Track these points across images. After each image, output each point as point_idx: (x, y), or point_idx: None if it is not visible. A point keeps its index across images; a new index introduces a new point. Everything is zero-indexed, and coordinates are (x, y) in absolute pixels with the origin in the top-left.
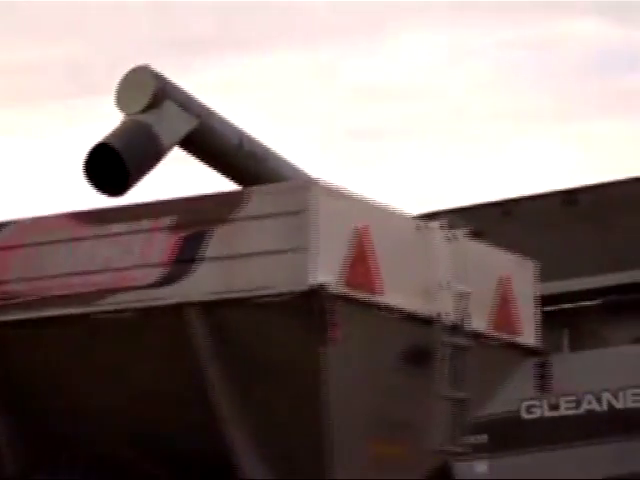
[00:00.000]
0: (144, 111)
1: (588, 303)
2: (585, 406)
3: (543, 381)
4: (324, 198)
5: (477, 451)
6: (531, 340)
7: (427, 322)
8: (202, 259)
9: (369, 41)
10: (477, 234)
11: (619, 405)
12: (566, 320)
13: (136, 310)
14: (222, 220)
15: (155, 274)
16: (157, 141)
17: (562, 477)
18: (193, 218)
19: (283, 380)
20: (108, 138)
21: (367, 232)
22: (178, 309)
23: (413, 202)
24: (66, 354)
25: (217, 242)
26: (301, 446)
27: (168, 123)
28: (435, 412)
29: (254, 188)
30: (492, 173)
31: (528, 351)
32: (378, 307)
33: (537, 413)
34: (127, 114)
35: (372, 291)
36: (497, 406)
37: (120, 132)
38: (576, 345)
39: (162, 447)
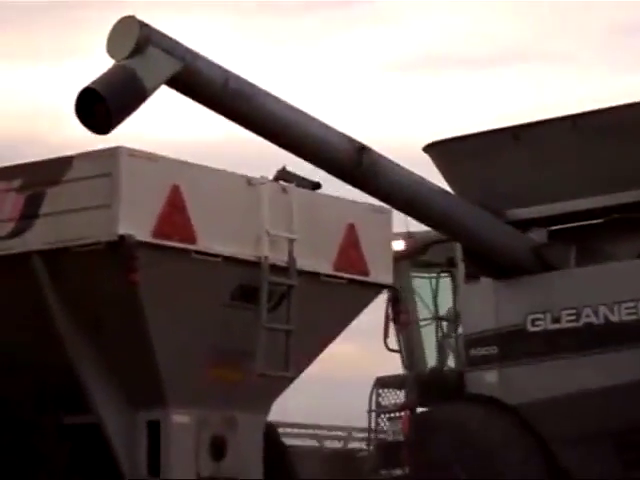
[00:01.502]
0: (129, 57)
1: (594, 221)
2: (584, 319)
3: (395, 311)
4: (129, 162)
5: (487, 362)
6: (380, 278)
7: (253, 264)
8: (39, 215)
9: None
10: (316, 186)
11: (614, 318)
12: (574, 238)
13: None
14: (54, 182)
15: (7, 228)
16: (140, 83)
17: (564, 385)
18: (34, 180)
19: (112, 319)
20: (93, 82)
21: (177, 190)
22: (24, 257)
23: None
24: None
25: (50, 201)
26: (137, 375)
27: (151, 67)
28: (261, 342)
29: (76, 155)
30: None
31: (377, 287)
32: (193, 252)
33: (541, 326)
34: (115, 60)
35: (184, 240)
36: (505, 320)
37: (105, 76)
38: (582, 261)
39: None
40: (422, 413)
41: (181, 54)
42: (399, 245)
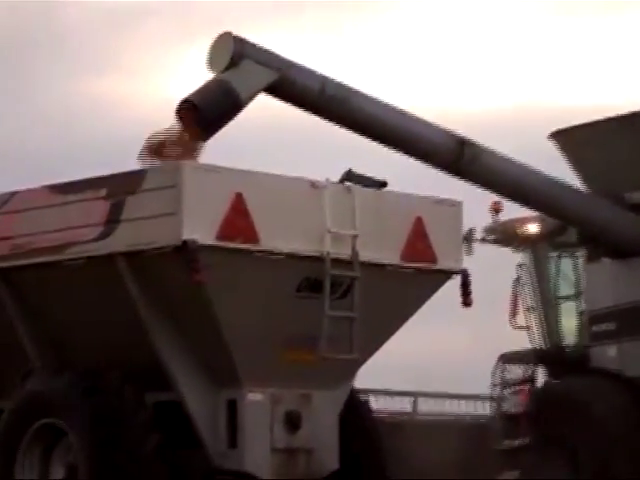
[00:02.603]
0: (225, 70)
1: None
2: None
3: (465, 293)
4: (191, 174)
5: (607, 337)
6: (449, 264)
7: (317, 259)
8: (121, 221)
9: None
10: (382, 185)
11: None
12: None
13: (83, 259)
14: (132, 192)
15: (95, 231)
16: (234, 94)
17: None
18: (116, 190)
19: (187, 312)
20: (191, 94)
21: (240, 197)
22: (110, 257)
23: None
24: (51, 290)
25: (129, 208)
26: (214, 360)
27: (246, 78)
28: (324, 328)
29: (149, 168)
30: None
31: (447, 273)
32: (255, 252)
33: None
34: (214, 74)
35: (247, 241)
36: (622, 297)
37: (202, 88)
38: None
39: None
40: (541, 386)
41: (276, 65)
42: (533, 228)
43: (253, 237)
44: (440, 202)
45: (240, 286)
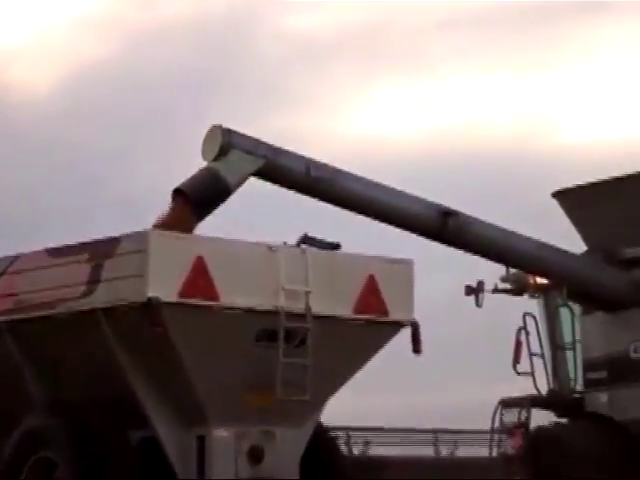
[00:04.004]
0: (216, 159)
1: None
2: None
3: (415, 342)
4: (157, 241)
5: (599, 384)
6: (399, 316)
7: (273, 313)
8: (101, 281)
9: None
10: (335, 247)
11: None
12: None
13: (71, 314)
14: (109, 256)
15: (80, 290)
16: (223, 181)
17: None
18: (96, 254)
19: (158, 360)
20: (182, 184)
21: (201, 260)
22: (91, 312)
23: None
24: (47, 340)
25: (107, 270)
26: (184, 401)
27: (233, 166)
28: (279, 373)
29: (122, 235)
30: None
31: (397, 324)
32: (216, 308)
33: None
34: (206, 162)
35: (208, 298)
36: (612, 347)
37: (193, 177)
38: None
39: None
40: (534, 430)
41: (262, 152)
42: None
43: (213, 295)
44: (392, 261)
45: (203, 337)
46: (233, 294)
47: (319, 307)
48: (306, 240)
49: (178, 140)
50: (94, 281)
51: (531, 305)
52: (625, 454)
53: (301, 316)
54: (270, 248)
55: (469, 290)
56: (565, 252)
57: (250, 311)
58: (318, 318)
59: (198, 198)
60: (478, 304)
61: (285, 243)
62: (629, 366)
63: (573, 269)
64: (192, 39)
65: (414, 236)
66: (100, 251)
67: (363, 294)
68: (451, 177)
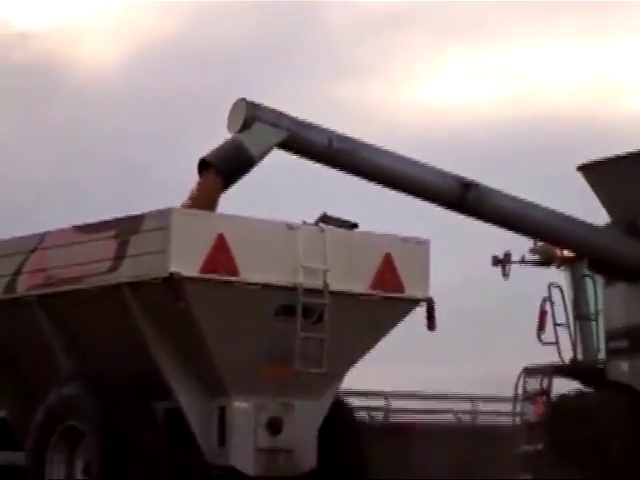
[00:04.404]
0: (240, 131)
1: None
2: None
3: (430, 319)
4: (179, 218)
5: (620, 354)
6: (415, 293)
7: (292, 289)
8: (126, 256)
9: None
10: (354, 226)
11: None
12: None
13: (98, 288)
14: (135, 232)
15: (106, 265)
16: (246, 152)
17: None
18: (123, 230)
19: (181, 334)
20: (208, 154)
21: (222, 237)
22: (117, 287)
23: None
24: (76, 313)
25: (133, 246)
26: (206, 374)
27: (257, 138)
28: (297, 347)
29: (147, 213)
30: None
31: (413, 301)
32: (236, 283)
33: None
34: (232, 134)
35: (228, 274)
36: (633, 318)
37: (218, 148)
38: None
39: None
40: (555, 398)
41: (285, 125)
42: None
43: (233, 270)
44: (408, 240)
45: (223, 311)
46: (253, 270)
47: (337, 284)
48: (325, 219)
49: None
50: (120, 257)
51: (554, 276)
52: None
53: (319, 292)
54: (289, 226)
55: (496, 261)
56: (585, 223)
57: (269, 287)
58: (335, 294)
59: (223, 168)
60: (505, 275)
61: (304, 222)
62: None
63: (592, 241)
64: (257, 13)
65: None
66: (126, 228)
67: (380, 272)
68: (517, 144)
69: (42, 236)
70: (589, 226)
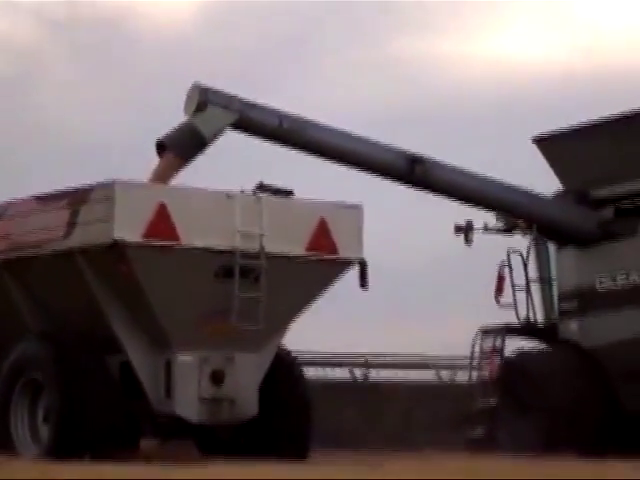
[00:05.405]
0: (194, 114)
1: None
2: (633, 279)
3: (362, 278)
4: (122, 190)
5: (570, 314)
6: (348, 254)
7: (230, 253)
8: (77, 224)
9: None
10: (289, 193)
11: None
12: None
13: (54, 254)
14: (85, 202)
15: (61, 232)
16: (200, 134)
17: (619, 332)
18: (75, 200)
19: (129, 295)
20: (163, 136)
21: (164, 206)
22: (70, 252)
23: None
24: (36, 275)
25: (83, 215)
26: (153, 330)
27: (209, 120)
28: (235, 305)
29: (96, 184)
30: None
31: (347, 262)
32: (176, 247)
33: (604, 284)
34: (187, 117)
35: (169, 239)
36: (581, 280)
37: (174, 130)
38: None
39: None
40: (508, 356)
41: (237, 107)
42: None
43: (174, 236)
44: (342, 205)
45: (166, 274)
46: (193, 236)
47: (273, 247)
48: (261, 187)
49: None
50: (72, 224)
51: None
52: (590, 378)
53: (255, 255)
54: (227, 195)
55: (458, 229)
56: (531, 194)
57: (208, 251)
58: (272, 257)
59: (178, 149)
60: (467, 242)
61: (242, 191)
62: (595, 297)
63: (540, 210)
64: None
65: None
66: (77, 198)
67: (314, 235)
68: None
69: (6, 205)
70: (534, 196)
